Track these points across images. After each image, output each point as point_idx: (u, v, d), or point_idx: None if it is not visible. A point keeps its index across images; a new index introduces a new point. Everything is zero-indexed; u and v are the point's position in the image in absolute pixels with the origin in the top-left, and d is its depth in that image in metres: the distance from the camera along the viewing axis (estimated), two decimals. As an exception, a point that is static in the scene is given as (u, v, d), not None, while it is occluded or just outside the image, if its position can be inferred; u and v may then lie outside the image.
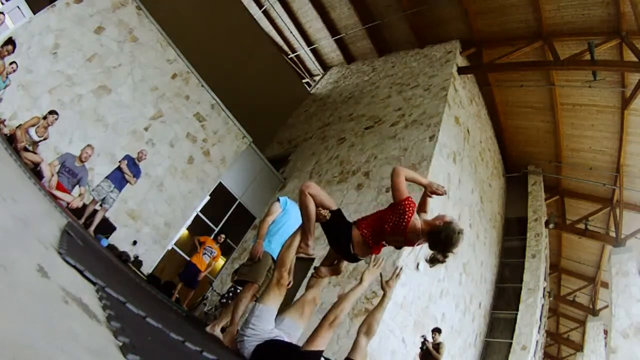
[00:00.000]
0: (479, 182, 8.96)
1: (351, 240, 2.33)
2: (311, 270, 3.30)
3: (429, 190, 2.43)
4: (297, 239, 2.46)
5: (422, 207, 2.54)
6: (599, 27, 7.48)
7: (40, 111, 5.72)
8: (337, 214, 2.43)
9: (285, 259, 2.39)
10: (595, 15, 7.41)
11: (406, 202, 2.19)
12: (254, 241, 3.63)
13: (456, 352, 7.14)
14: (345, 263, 2.62)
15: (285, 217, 3.59)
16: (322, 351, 2.07)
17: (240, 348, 2.15)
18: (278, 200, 3.66)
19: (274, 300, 2.27)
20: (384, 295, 2.42)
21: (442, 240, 2.15)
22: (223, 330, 3.47)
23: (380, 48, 11.23)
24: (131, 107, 7.31)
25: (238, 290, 4.58)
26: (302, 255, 2.49)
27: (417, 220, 2.19)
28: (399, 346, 5.40)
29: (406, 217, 2.16)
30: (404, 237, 2.21)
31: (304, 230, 2.46)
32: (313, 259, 2.69)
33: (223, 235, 7.46)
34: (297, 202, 3.69)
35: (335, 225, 2.42)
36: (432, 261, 2.21)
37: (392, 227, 2.23)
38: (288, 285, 2.45)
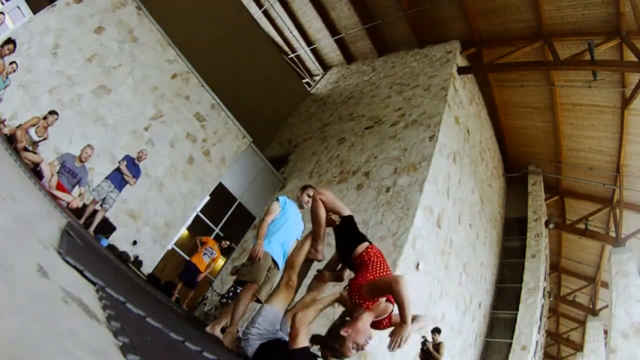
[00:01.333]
0: (479, 182, 8.96)
1: (354, 251, 2.33)
2: (309, 271, 3.29)
3: (398, 329, 2.15)
4: (308, 243, 2.48)
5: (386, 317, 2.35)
6: (599, 27, 7.48)
7: (40, 111, 5.71)
8: (348, 220, 2.43)
9: (294, 261, 2.40)
10: (595, 15, 7.41)
11: (365, 305, 2.08)
12: (253, 241, 3.62)
13: (456, 352, 7.14)
14: (348, 271, 2.62)
15: (284, 217, 3.58)
16: (307, 347, 2.05)
17: (244, 346, 2.16)
18: (277, 200, 3.65)
19: (282, 301, 2.28)
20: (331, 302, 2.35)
21: (328, 339, 2.13)
22: (223, 330, 3.46)
23: (380, 48, 11.23)
24: (131, 107, 7.31)
25: (238, 290, 4.57)
26: (311, 259, 2.50)
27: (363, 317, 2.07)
28: (399, 346, 5.39)
29: (361, 307, 2.10)
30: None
31: (314, 236, 2.47)
32: (312, 261, 2.69)
33: (227, 242, 7.46)
34: (297, 202, 3.70)
35: (345, 231, 2.42)
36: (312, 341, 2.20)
37: (354, 291, 2.19)
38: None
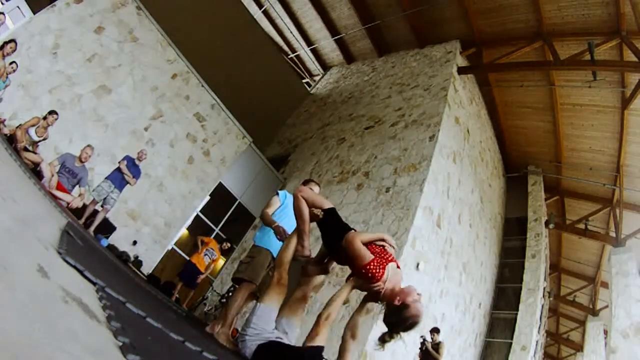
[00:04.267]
0: (479, 182, 8.96)
1: (342, 242, 2.34)
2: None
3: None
4: (294, 240, 2.50)
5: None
6: (599, 27, 7.48)
7: (40, 111, 5.71)
8: (331, 212, 2.47)
9: (283, 259, 2.42)
10: (595, 15, 7.41)
11: (370, 267, 2.12)
12: (255, 238, 3.59)
13: (456, 352, 7.14)
14: (334, 263, 2.64)
15: (284, 212, 3.55)
16: (322, 347, 2.07)
17: (242, 348, 2.16)
18: (277, 194, 3.64)
19: (275, 299, 2.29)
20: (364, 298, 2.43)
21: (391, 322, 2.11)
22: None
23: (380, 48, 11.23)
24: (131, 107, 7.31)
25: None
26: (299, 256, 2.51)
27: (384, 283, 2.12)
28: (399, 346, 5.39)
29: (374, 280, 2.11)
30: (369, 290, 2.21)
31: (299, 233, 2.50)
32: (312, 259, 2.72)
33: (229, 244, 7.46)
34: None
35: (329, 224, 2.46)
36: (381, 341, 2.17)
37: (359, 277, 2.22)
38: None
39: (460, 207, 7.68)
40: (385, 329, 2.16)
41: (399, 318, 2.06)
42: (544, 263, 9.77)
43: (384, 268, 2.12)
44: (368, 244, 2.26)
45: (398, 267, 2.25)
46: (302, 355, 2.04)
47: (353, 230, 2.39)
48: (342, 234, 2.34)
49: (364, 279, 2.16)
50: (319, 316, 2.15)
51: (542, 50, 8.38)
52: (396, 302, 2.06)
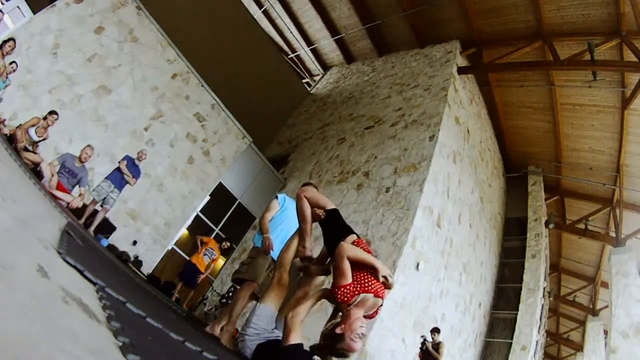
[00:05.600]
0: (479, 182, 8.96)
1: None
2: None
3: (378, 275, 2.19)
4: (296, 240, 2.49)
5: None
6: (599, 27, 7.48)
7: (40, 111, 5.71)
8: (333, 213, 2.46)
9: (284, 259, 2.42)
10: (595, 15, 7.41)
11: (339, 290, 2.04)
12: (254, 240, 3.60)
13: (456, 352, 7.15)
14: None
15: (284, 215, 3.57)
16: (300, 344, 2.04)
17: (242, 347, 2.16)
18: (276, 197, 3.66)
19: (275, 300, 2.29)
20: (334, 309, 2.33)
21: (325, 343, 2.06)
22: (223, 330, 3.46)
23: (380, 48, 11.23)
24: (131, 107, 7.31)
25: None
26: (300, 256, 2.50)
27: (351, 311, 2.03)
28: (398, 346, 5.40)
29: (338, 301, 2.04)
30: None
31: (301, 233, 2.50)
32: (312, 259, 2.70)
33: (228, 243, 7.47)
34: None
35: (332, 224, 2.45)
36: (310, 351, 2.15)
37: (331, 291, 2.15)
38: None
39: (460, 207, 7.69)
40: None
41: (332, 343, 2.01)
42: (544, 263, 9.77)
43: (352, 296, 2.03)
44: (359, 266, 2.15)
45: (379, 296, 2.09)
46: (286, 355, 2.02)
47: (354, 235, 2.32)
48: (344, 235, 2.30)
49: (331, 295, 2.11)
50: (286, 316, 2.12)
51: (542, 50, 8.38)
52: (338, 330, 2.00)
